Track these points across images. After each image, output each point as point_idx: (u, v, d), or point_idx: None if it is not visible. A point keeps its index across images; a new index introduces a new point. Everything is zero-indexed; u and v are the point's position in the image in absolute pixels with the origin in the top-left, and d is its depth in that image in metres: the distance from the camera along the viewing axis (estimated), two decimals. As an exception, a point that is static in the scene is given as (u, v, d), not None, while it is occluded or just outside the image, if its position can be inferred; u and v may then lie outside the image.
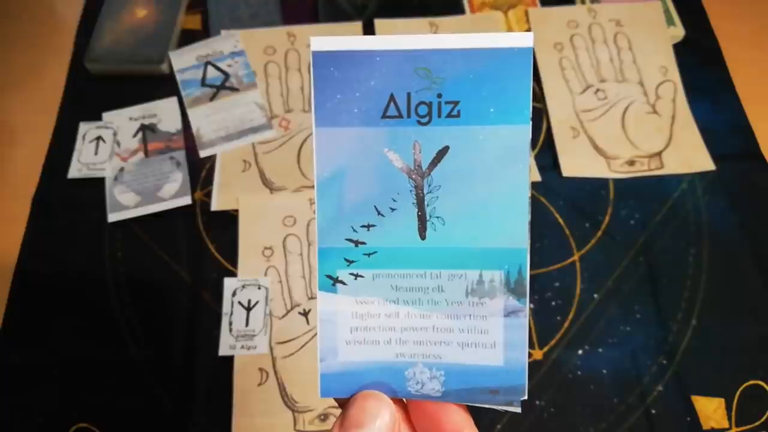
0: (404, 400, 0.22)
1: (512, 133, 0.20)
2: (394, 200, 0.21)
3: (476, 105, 0.20)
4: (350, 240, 0.21)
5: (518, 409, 0.21)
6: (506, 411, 0.21)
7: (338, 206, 0.21)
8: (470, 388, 0.21)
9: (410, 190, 0.21)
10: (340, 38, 0.20)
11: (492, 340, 0.21)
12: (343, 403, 0.22)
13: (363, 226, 0.21)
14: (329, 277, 0.22)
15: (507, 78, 0.20)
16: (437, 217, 0.21)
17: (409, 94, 0.20)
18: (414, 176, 0.21)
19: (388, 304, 0.22)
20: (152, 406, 0.45)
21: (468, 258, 0.21)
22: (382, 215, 0.21)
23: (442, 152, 0.21)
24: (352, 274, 0.22)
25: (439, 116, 0.21)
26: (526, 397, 0.21)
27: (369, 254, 0.21)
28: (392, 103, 0.21)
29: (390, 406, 0.21)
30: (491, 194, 0.21)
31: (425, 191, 0.21)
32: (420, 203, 0.21)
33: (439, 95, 0.20)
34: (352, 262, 0.21)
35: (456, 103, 0.20)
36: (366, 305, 0.22)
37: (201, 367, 0.46)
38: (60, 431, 0.44)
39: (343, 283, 0.22)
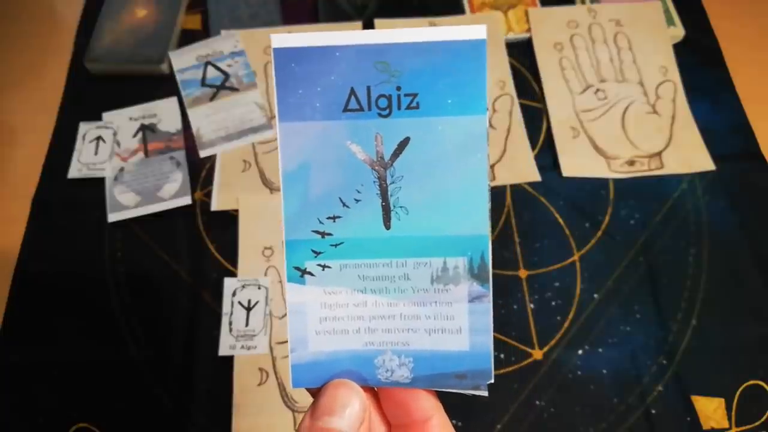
0: (374, 388, 0.23)
1: (470, 124, 0.21)
2: (359, 191, 0.21)
3: (434, 97, 0.21)
4: (317, 232, 0.22)
5: (485, 393, 0.22)
6: (474, 395, 0.22)
7: (304, 199, 0.21)
8: (438, 374, 0.22)
9: (374, 182, 0.21)
10: (300, 34, 0.21)
11: (458, 325, 0.22)
12: (315, 393, 0.22)
13: (329, 218, 0.22)
14: (297, 268, 0.22)
15: (463, 70, 0.21)
16: (401, 207, 0.21)
17: (369, 88, 0.21)
18: (377, 167, 0.21)
19: (355, 293, 0.22)
20: (152, 406, 0.45)
21: (432, 246, 0.22)
22: (347, 206, 0.22)
23: (403, 143, 0.21)
24: (319, 265, 0.22)
25: (399, 108, 0.21)
26: (492, 381, 0.22)
27: (335, 245, 0.22)
28: (353, 97, 0.21)
29: (360, 394, 0.22)
30: (452, 183, 0.21)
31: (388, 182, 0.21)
32: (384, 194, 0.21)
33: (398, 88, 0.21)
34: (319, 253, 0.22)
35: (415, 95, 0.21)
36: (334, 295, 0.22)
37: (201, 367, 0.46)
38: (60, 431, 0.44)
39: (311, 274, 0.22)
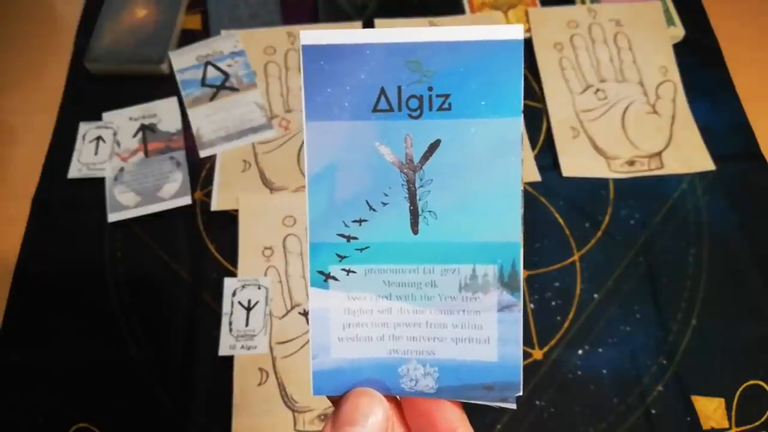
0: (398, 397, 0.22)
1: (504, 126, 0.20)
2: (386, 195, 0.21)
3: (467, 98, 0.20)
4: (342, 235, 0.21)
5: (513, 406, 0.21)
6: (501, 407, 0.21)
7: (329, 201, 0.21)
8: (464, 385, 0.21)
9: (402, 185, 0.21)
10: (330, 31, 0.20)
11: (486, 335, 0.21)
12: (336, 401, 0.21)
13: (354, 221, 0.21)
14: (321, 273, 0.21)
15: (498, 70, 0.20)
16: (429, 212, 0.21)
17: (399, 88, 0.20)
18: (406, 170, 0.21)
19: (380, 299, 0.21)
20: (152, 406, 0.45)
21: (461, 252, 0.21)
22: (374, 210, 0.21)
23: (434, 146, 0.21)
24: (344, 269, 0.21)
25: (431, 110, 0.20)
26: (521, 393, 0.21)
27: (361, 249, 0.21)
28: (383, 97, 0.20)
29: (383, 404, 0.21)
30: (483, 188, 0.21)
31: (417, 185, 0.21)
32: (412, 197, 0.21)
33: (430, 88, 0.20)
34: (344, 257, 0.21)
35: (447, 96, 0.20)
36: (358, 301, 0.21)
37: (201, 367, 0.46)
38: (60, 431, 0.44)
39: (335, 279, 0.21)
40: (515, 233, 0.21)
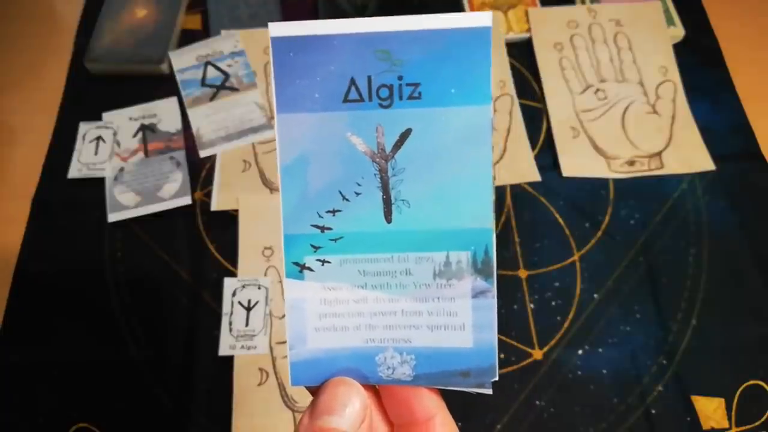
0: (376, 386, 0.22)
1: (474, 114, 0.20)
2: (359, 184, 0.21)
3: (437, 86, 0.20)
4: (316, 226, 0.21)
5: (489, 391, 0.21)
6: (478, 393, 0.21)
7: (303, 192, 0.21)
8: (441, 372, 0.21)
9: (375, 174, 0.21)
10: (299, 23, 0.20)
11: (461, 321, 0.21)
12: (315, 391, 0.22)
13: (328, 212, 0.21)
14: (296, 264, 0.21)
15: (466, 58, 0.20)
16: (402, 200, 0.21)
17: (369, 77, 0.20)
18: (378, 160, 0.21)
19: (356, 289, 0.21)
20: (152, 406, 0.45)
21: (434, 240, 0.21)
22: (347, 200, 0.21)
23: (405, 135, 0.21)
24: (318, 260, 0.21)
25: (401, 99, 0.20)
26: (497, 378, 0.21)
27: (335, 239, 0.21)
28: (353, 87, 0.20)
29: (361, 393, 0.21)
30: (455, 175, 0.21)
31: (390, 174, 0.21)
32: (385, 187, 0.21)
33: (400, 77, 0.20)
34: (319, 248, 0.21)
35: (417, 84, 0.20)
36: (334, 291, 0.21)
37: (201, 367, 0.46)
38: (60, 431, 0.44)
39: (311, 270, 0.21)
40: (487, 219, 0.21)
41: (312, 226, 0.21)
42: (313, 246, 0.21)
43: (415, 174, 0.21)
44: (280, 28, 0.20)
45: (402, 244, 0.21)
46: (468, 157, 0.21)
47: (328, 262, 0.21)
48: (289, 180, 0.21)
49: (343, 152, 0.21)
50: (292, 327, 0.22)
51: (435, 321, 0.21)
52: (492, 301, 0.21)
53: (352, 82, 0.20)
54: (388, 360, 0.22)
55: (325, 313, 0.22)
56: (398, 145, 0.21)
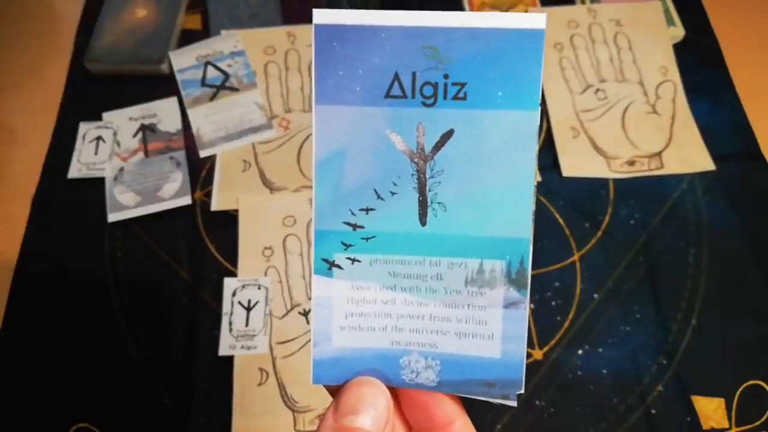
0: (396, 388, 0.22)
1: (520, 119, 0.20)
2: (395, 184, 0.20)
3: (484, 88, 0.19)
4: (348, 223, 0.21)
5: (514, 403, 0.21)
6: (502, 405, 0.21)
7: (336, 188, 0.20)
8: (466, 380, 0.21)
9: (412, 174, 0.20)
10: (345, 11, 0.19)
11: (490, 331, 0.21)
12: (335, 391, 0.21)
13: (362, 210, 0.20)
14: (325, 260, 0.21)
15: (517, 60, 0.19)
16: (439, 203, 0.20)
17: (414, 74, 0.20)
18: (416, 160, 0.20)
19: (384, 290, 0.21)
20: (152, 406, 0.45)
21: (469, 246, 0.20)
22: (382, 199, 0.20)
23: (447, 136, 0.20)
24: (348, 258, 0.21)
25: (445, 98, 0.20)
26: (522, 391, 0.21)
27: (367, 239, 0.21)
28: (396, 83, 0.20)
29: (385, 394, 0.21)
30: (495, 181, 0.20)
31: (427, 176, 0.20)
32: (421, 188, 0.20)
33: (446, 76, 0.20)
34: (350, 246, 0.21)
35: (463, 84, 0.20)
36: (362, 291, 0.21)
37: (201, 367, 0.46)
38: (60, 431, 0.44)
39: (340, 268, 0.21)
40: (525, 229, 0.20)
41: (344, 223, 0.21)
42: (343, 243, 0.21)
43: (454, 177, 0.20)
44: (324, 16, 0.19)
45: (435, 248, 0.21)
46: (511, 163, 0.20)
47: (358, 261, 0.21)
48: (324, 175, 0.20)
49: (380, 149, 0.20)
50: (317, 324, 0.21)
51: (463, 328, 0.21)
52: (524, 313, 0.21)
53: (396, 77, 0.20)
54: (412, 363, 0.21)
55: (352, 312, 0.21)
56: (439, 146, 0.20)
